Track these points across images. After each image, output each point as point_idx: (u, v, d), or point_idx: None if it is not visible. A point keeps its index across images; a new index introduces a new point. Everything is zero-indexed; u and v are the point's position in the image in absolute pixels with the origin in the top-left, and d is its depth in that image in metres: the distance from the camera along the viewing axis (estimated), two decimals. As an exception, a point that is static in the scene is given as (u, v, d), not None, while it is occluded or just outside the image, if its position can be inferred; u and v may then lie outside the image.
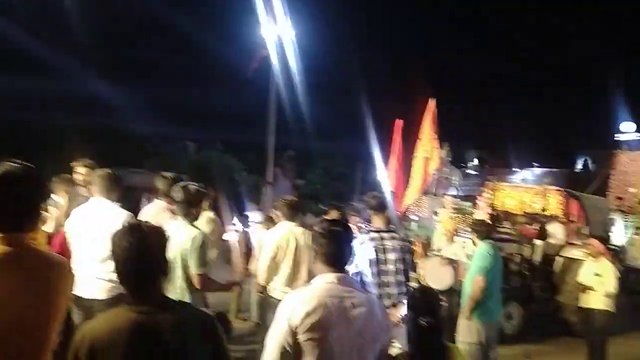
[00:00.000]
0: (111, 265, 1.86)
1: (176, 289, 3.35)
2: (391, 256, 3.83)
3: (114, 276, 1.87)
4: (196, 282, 3.40)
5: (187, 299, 3.30)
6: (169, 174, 4.62)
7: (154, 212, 4.41)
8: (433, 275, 6.55)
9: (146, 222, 1.93)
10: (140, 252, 1.74)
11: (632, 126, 35.06)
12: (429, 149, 9.41)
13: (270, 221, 7.10)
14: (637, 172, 12.85)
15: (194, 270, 3.38)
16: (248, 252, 7.56)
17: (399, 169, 8.68)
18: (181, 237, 3.41)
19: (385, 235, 3.85)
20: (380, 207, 3.97)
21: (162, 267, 1.82)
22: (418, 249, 7.75)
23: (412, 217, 10.31)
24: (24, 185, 1.84)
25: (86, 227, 3.81)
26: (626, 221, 10.23)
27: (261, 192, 21.29)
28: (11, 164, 1.85)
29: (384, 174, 9.73)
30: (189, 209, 3.59)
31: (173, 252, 3.32)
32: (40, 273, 1.84)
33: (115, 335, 1.67)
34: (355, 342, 2.14)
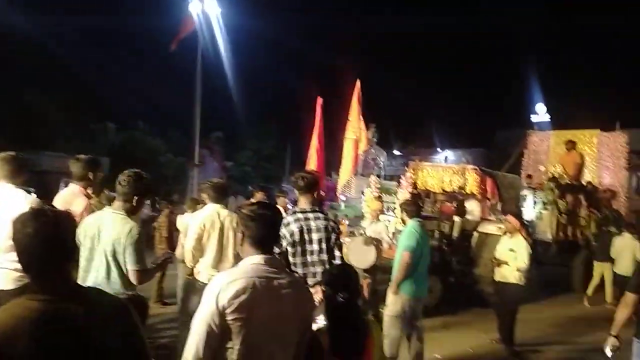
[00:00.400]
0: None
1: (110, 283, 3.19)
2: (315, 236, 3.86)
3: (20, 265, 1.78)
4: (133, 278, 3.25)
5: (120, 292, 3.15)
6: (82, 156, 4.35)
7: (67, 197, 4.17)
8: (356, 254, 6.72)
9: (51, 207, 1.83)
10: (44, 238, 1.65)
11: (543, 108, 37.50)
12: (357, 130, 9.55)
13: (196, 204, 6.97)
14: (546, 151, 13.79)
15: (130, 266, 3.22)
16: (170, 235, 7.39)
17: (320, 148, 8.67)
18: (116, 230, 3.23)
19: (310, 215, 3.86)
20: (306, 187, 3.97)
21: (68, 254, 1.73)
22: (344, 228, 7.93)
23: (340, 197, 10.50)
24: None
25: None
26: (536, 197, 10.96)
27: (188, 174, 20.80)
28: None
29: (308, 154, 9.72)
30: (128, 200, 3.36)
31: (105, 244, 3.19)
32: None
33: (19, 326, 1.56)
34: (282, 322, 2.16)
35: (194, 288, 4.59)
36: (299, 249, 3.75)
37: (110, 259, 3.21)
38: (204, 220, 4.60)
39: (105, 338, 1.68)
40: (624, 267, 8.72)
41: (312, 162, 8.55)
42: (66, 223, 1.75)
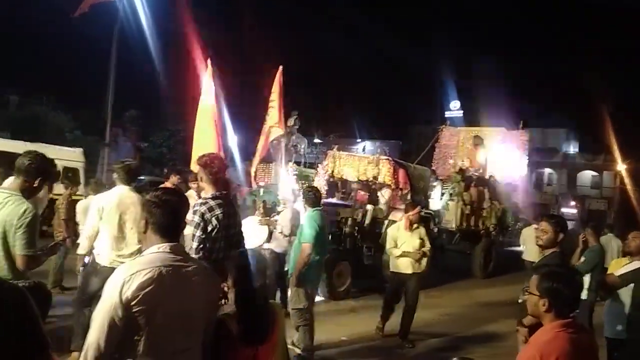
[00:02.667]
0: None
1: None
2: (234, 221, 3.86)
3: None
4: (19, 263, 3.03)
5: (9, 278, 2.93)
6: None
7: None
8: (248, 233, 6.66)
9: None
10: None
11: (457, 104, 39.54)
12: (275, 117, 9.48)
13: (100, 187, 6.65)
14: (456, 146, 14.57)
15: (18, 251, 3.00)
16: (70, 219, 7.00)
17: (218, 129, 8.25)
18: (8, 211, 3.00)
19: (220, 201, 3.82)
20: (218, 173, 3.91)
21: None
22: (260, 213, 7.91)
23: (259, 182, 10.47)
24: None
25: None
26: (444, 188, 11.57)
27: (98, 153, 19.69)
28: None
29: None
30: (27, 181, 3.13)
31: None
32: None
33: None
34: (189, 310, 2.12)
35: (93, 271, 4.39)
36: (222, 233, 3.70)
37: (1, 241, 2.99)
38: (105, 202, 4.41)
39: None
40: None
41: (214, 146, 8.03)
42: None
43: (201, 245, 3.50)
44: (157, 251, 2.14)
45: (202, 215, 3.57)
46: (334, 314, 7.27)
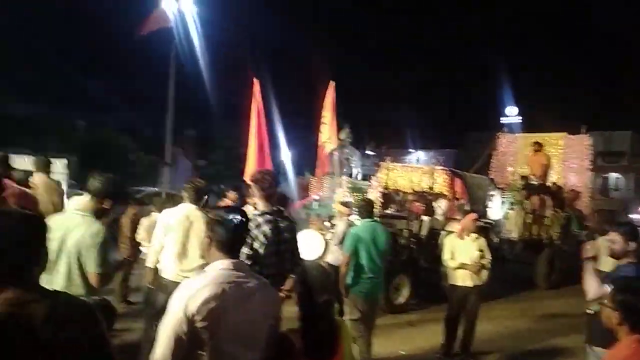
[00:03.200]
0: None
1: (73, 285, 3.14)
2: (284, 236, 3.90)
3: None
4: (93, 280, 3.20)
5: (82, 294, 3.12)
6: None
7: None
8: (304, 244, 6.69)
9: (20, 209, 1.81)
10: (10, 241, 1.62)
11: (515, 110, 38.36)
12: (327, 132, 9.56)
13: (165, 202, 6.93)
14: (515, 153, 14.09)
15: (91, 269, 3.17)
16: (134, 235, 7.30)
17: (261, 138, 8.26)
18: (81, 231, 3.18)
19: (269, 217, 3.87)
20: (270, 188, 3.96)
21: (35, 257, 1.70)
22: (315, 226, 7.97)
23: (313, 196, 10.56)
24: None
25: None
26: (504, 197, 11.22)
27: (159, 172, 20.53)
28: None
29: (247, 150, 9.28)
30: (99, 202, 3.32)
31: (69, 245, 3.14)
32: None
33: None
34: (251, 326, 2.18)
35: (159, 286, 4.56)
36: (272, 249, 3.75)
37: (72, 260, 3.16)
38: (171, 218, 4.59)
39: (67, 343, 1.64)
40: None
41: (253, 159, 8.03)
42: (33, 225, 1.73)
43: (249, 262, 3.53)
44: (220, 268, 2.21)
45: (248, 232, 3.64)
46: (392, 328, 7.18)
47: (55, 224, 3.23)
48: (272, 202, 3.91)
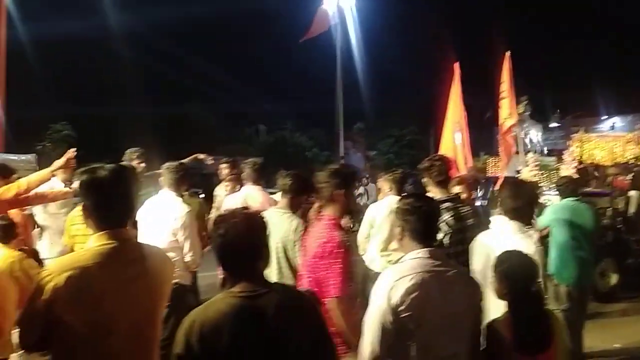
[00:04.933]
0: (172, 255, 1.96)
1: (284, 278, 3.35)
2: (467, 223, 3.67)
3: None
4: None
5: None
6: (254, 159, 4.80)
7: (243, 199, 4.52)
8: None
9: (243, 208, 1.96)
10: (236, 238, 1.79)
11: None
12: (508, 107, 8.81)
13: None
14: None
15: (298, 262, 3.34)
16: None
17: (464, 123, 7.87)
18: (283, 228, 3.40)
19: (449, 204, 3.66)
20: (440, 175, 3.73)
21: (259, 252, 1.85)
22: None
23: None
24: (128, 184, 2.01)
25: (154, 219, 4.04)
26: None
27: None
28: (112, 165, 2.00)
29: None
30: (295, 199, 3.54)
31: (275, 242, 3.33)
32: (145, 264, 1.98)
33: (222, 321, 1.72)
34: (454, 315, 2.12)
35: (368, 278, 4.65)
36: (457, 237, 3.57)
37: (280, 255, 3.38)
38: (377, 211, 4.72)
39: (295, 332, 1.77)
40: None
41: (451, 142, 7.79)
42: (255, 223, 1.87)
43: None
44: (417, 257, 2.17)
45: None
46: (601, 318, 6.36)
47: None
48: (447, 190, 3.69)
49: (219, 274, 4.17)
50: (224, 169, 5.54)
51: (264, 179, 4.90)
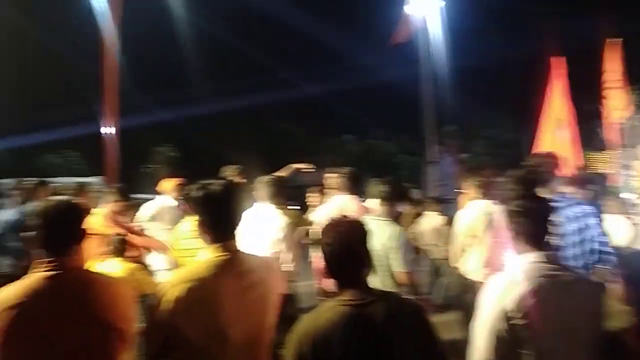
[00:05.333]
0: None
1: (386, 285, 3.36)
2: (574, 226, 3.41)
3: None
4: (400, 279, 3.40)
5: None
6: (349, 169, 4.81)
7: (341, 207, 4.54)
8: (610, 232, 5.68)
9: (347, 216, 1.99)
10: (342, 246, 1.83)
11: None
12: (618, 97, 8.10)
13: (437, 203, 6.97)
14: None
15: (397, 268, 3.37)
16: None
17: (571, 120, 7.34)
18: (383, 235, 3.40)
19: (570, 202, 3.41)
20: (539, 178, 3.49)
21: (364, 259, 1.87)
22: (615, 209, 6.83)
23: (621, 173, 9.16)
24: (237, 198, 2.11)
25: (252, 231, 4.13)
26: None
27: (422, 172, 20.95)
28: (221, 180, 2.13)
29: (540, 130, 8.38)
30: (392, 206, 3.57)
31: (376, 250, 3.38)
32: (255, 274, 2.06)
33: (332, 330, 1.74)
34: (573, 322, 2.01)
35: (464, 287, 4.49)
36: (573, 239, 3.33)
37: (382, 263, 3.36)
38: (473, 220, 4.50)
39: (404, 341, 1.75)
40: None
41: (552, 140, 7.28)
42: (359, 231, 1.90)
43: None
44: (532, 261, 2.06)
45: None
46: None
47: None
48: (558, 188, 3.45)
49: (317, 282, 4.24)
50: (332, 179, 5.41)
51: (358, 188, 4.87)
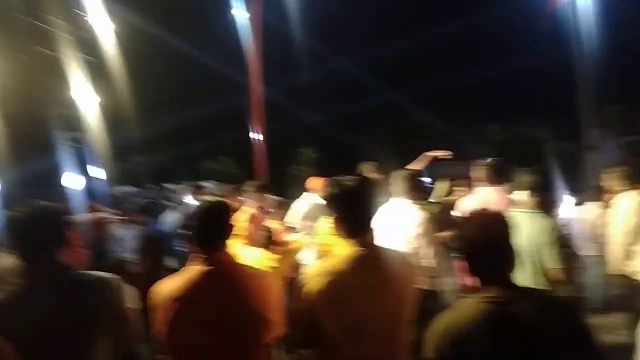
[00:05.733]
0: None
1: (540, 282, 3.18)
2: None
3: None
4: (554, 276, 3.17)
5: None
6: (494, 159, 4.62)
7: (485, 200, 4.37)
8: None
9: (485, 209, 1.92)
10: (482, 240, 1.77)
11: None
12: None
13: (600, 193, 6.22)
14: None
15: (551, 264, 3.16)
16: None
17: None
18: (535, 228, 3.21)
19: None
20: None
21: (507, 254, 1.78)
22: None
23: None
24: (371, 193, 2.14)
25: (388, 226, 4.09)
26: None
27: (578, 159, 18.93)
28: (355, 176, 2.15)
29: None
30: (543, 196, 3.35)
31: (528, 245, 3.18)
32: (391, 268, 2.07)
33: (474, 327, 1.69)
34: None
35: (632, 289, 4.03)
36: None
37: (535, 259, 3.17)
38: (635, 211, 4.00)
39: (555, 341, 1.64)
40: None
41: None
42: (502, 225, 1.82)
43: None
44: None
45: None
46: None
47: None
48: None
49: (459, 279, 4.11)
50: (478, 170, 4.90)
51: (503, 179, 4.58)
